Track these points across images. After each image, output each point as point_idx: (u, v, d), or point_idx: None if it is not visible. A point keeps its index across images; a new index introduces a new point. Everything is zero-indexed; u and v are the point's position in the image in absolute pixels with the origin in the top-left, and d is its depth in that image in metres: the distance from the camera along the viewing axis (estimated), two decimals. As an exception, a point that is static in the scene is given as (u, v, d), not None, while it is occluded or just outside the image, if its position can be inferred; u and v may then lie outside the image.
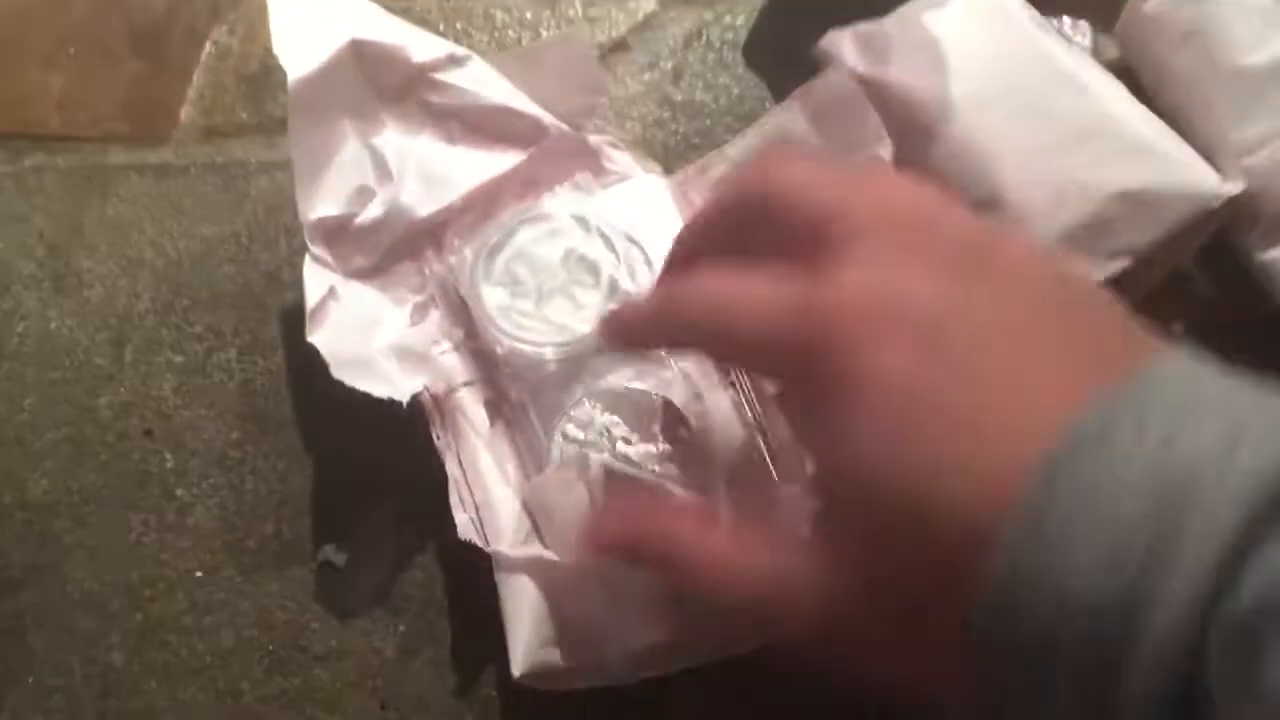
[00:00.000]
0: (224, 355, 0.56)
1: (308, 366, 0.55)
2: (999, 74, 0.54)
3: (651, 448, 0.44)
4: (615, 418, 0.44)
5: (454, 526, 0.51)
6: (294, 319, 0.56)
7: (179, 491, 0.53)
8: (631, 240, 0.51)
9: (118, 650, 0.50)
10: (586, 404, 0.45)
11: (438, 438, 0.48)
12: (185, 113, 0.62)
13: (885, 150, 0.51)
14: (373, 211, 0.51)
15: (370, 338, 0.50)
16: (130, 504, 0.53)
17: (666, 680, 0.46)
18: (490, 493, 0.47)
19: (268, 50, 0.63)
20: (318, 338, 0.48)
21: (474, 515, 0.47)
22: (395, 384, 0.48)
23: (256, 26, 0.64)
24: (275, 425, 0.54)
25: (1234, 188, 0.49)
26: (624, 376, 0.45)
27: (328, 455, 0.54)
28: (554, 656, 0.43)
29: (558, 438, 0.44)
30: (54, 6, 0.66)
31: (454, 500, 0.47)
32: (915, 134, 0.55)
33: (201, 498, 0.53)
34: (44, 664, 0.50)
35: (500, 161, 0.53)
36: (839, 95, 0.52)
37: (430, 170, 0.52)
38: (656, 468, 0.44)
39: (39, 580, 0.52)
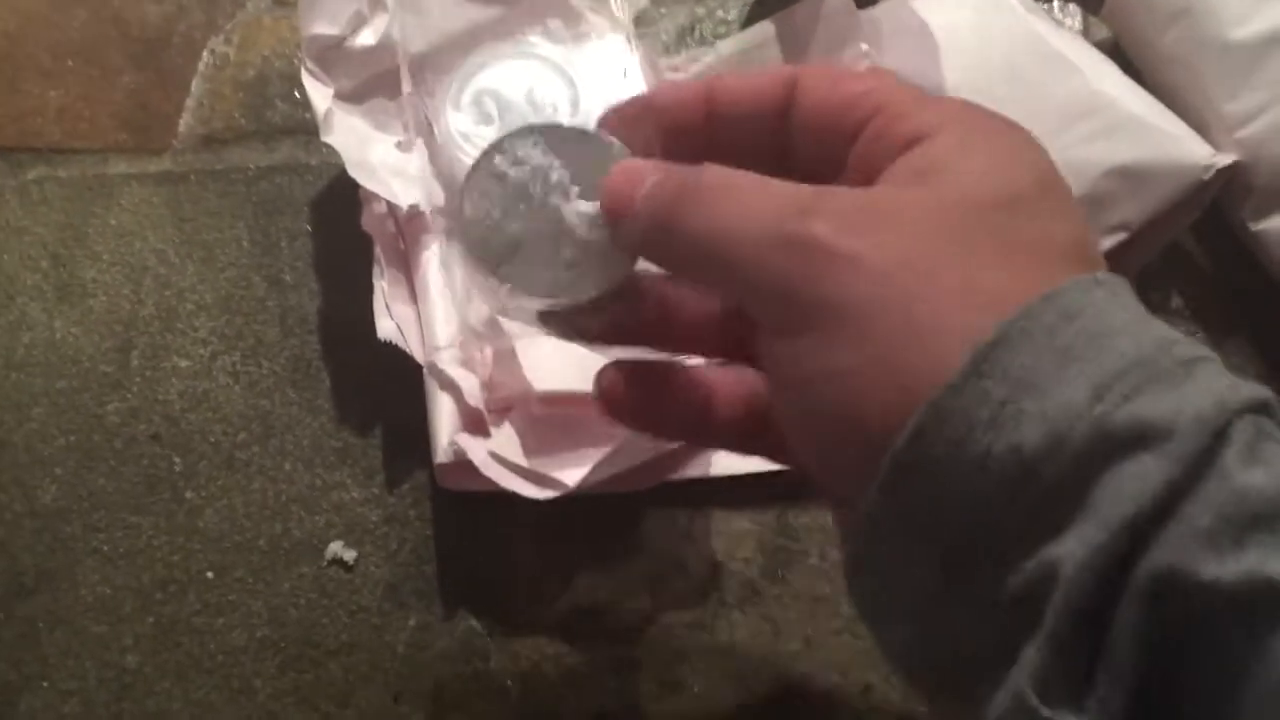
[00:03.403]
0: (229, 359, 0.56)
1: (311, 367, 0.56)
2: (991, 56, 0.54)
3: (593, 207, 0.33)
4: (557, 160, 0.34)
5: (459, 521, 0.52)
6: (296, 321, 0.57)
7: (188, 494, 0.54)
8: (592, 88, 0.55)
9: (131, 653, 0.51)
10: (528, 135, 0.34)
11: (378, 260, 0.53)
12: (184, 121, 0.63)
13: (863, 61, 0.55)
14: (365, 38, 0.56)
15: (368, 152, 0.55)
16: (140, 508, 0.53)
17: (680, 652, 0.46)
18: (433, 305, 0.52)
19: (265, 58, 0.64)
20: (332, 139, 0.53)
21: (398, 324, 0.51)
22: (396, 193, 0.53)
23: (253, 35, 0.65)
24: (281, 426, 0.55)
25: (1226, 160, 0.50)
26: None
27: (334, 454, 0.54)
28: (469, 442, 0.48)
29: (482, 167, 0.34)
30: (51, 20, 0.66)
31: (378, 309, 0.52)
32: (908, 118, 0.55)
33: (210, 500, 0.53)
34: (58, 668, 0.50)
35: (485, 11, 0.58)
36: (824, 12, 0.55)
37: (421, 7, 0.56)
38: (595, 237, 0.33)
39: (51, 586, 0.52)
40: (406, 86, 0.56)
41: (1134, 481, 0.21)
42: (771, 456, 0.35)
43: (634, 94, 0.33)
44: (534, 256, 0.33)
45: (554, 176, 0.34)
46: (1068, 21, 0.62)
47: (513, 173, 0.34)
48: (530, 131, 0.34)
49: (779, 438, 0.31)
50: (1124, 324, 0.23)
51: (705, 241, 0.28)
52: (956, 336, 0.23)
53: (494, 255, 0.33)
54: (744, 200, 0.27)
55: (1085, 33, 0.61)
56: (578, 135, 0.34)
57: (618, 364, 0.34)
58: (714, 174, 0.29)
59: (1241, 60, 0.51)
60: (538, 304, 0.33)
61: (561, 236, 0.33)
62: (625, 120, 0.33)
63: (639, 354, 0.35)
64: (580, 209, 0.33)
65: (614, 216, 0.31)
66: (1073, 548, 0.22)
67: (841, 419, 0.25)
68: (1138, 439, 0.22)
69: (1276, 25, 0.51)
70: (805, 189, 0.27)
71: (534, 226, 0.33)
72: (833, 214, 0.26)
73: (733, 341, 0.34)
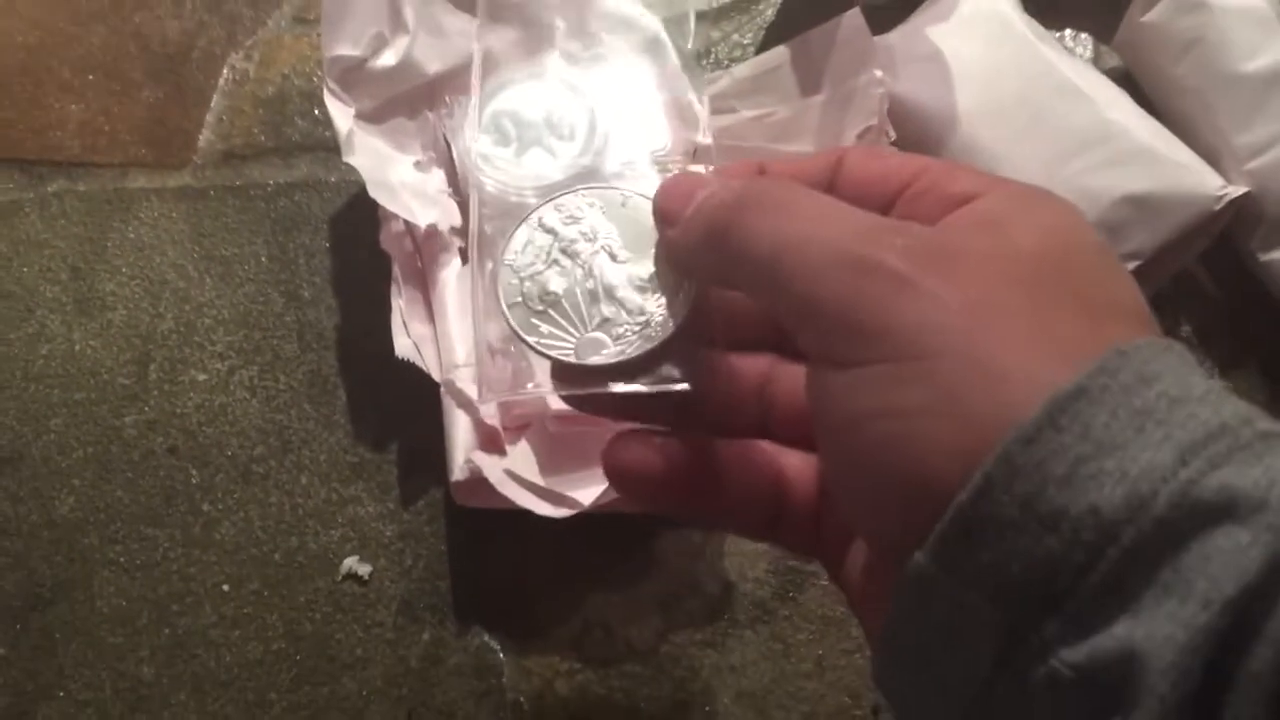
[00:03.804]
0: (246, 373, 0.57)
1: (328, 382, 0.56)
2: (1004, 84, 0.55)
3: (639, 271, 0.33)
4: (610, 224, 0.34)
5: (474, 537, 0.53)
6: (313, 337, 0.57)
7: (205, 507, 0.54)
8: (609, 110, 0.55)
9: (147, 664, 0.51)
10: (583, 194, 0.35)
11: (396, 279, 0.54)
12: (204, 137, 0.64)
13: (878, 87, 0.55)
14: (386, 59, 0.57)
15: (388, 172, 0.56)
16: (156, 520, 0.54)
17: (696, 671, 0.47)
18: (450, 324, 0.53)
19: (285, 76, 0.65)
20: (354, 159, 0.54)
21: (415, 343, 0.53)
22: (414, 213, 0.54)
23: (273, 52, 0.65)
24: (298, 441, 0.55)
25: (1237, 191, 0.50)
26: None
27: (350, 469, 0.54)
28: (485, 460, 0.49)
29: (532, 218, 0.35)
30: (72, 35, 0.67)
31: (396, 327, 0.53)
32: (923, 144, 0.56)
33: (227, 513, 0.54)
34: (74, 679, 0.51)
35: (503, 33, 0.56)
36: (839, 38, 0.56)
37: (440, 29, 0.58)
38: (636, 299, 0.33)
39: (68, 596, 0.52)
40: (424, 112, 0.57)
41: (1230, 556, 0.20)
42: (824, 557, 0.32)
43: (698, 184, 0.31)
44: (569, 313, 0.33)
45: (604, 239, 0.34)
46: (1079, 50, 0.63)
47: (564, 230, 0.34)
48: (590, 191, 0.35)
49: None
50: (1203, 392, 0.22)
51: (768, 251, 0.26)
52: (1030, 384, 0.22)
53: (529, 306, 0.33)
54: (813, 214, 0.26)
55: (1096, 61, 0.62)
56: (635, 203, 0.34)
57: (646, 435, 0.31)
58: (782, 184, 0.28)
59: (1253, 92, 0.52)
60: (565, 358, 0.32)
61: (602, 295, 0.33)
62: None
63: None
64: (625, 271, 0.33)
65: (669, 216, 0.30)
66: (1167, 628, 0.20)
67: (899, 461, 0.24)
68: (1226, 508, 0.20)
69: (1287, 58, 0.51)
70: (875, 216, 0.26)
71: (574, 283, 0.33)
72: (905, 245, 0.25)
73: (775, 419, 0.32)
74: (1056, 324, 0.24)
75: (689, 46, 0.44)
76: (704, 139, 0.50)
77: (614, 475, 0.31)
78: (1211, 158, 0.52)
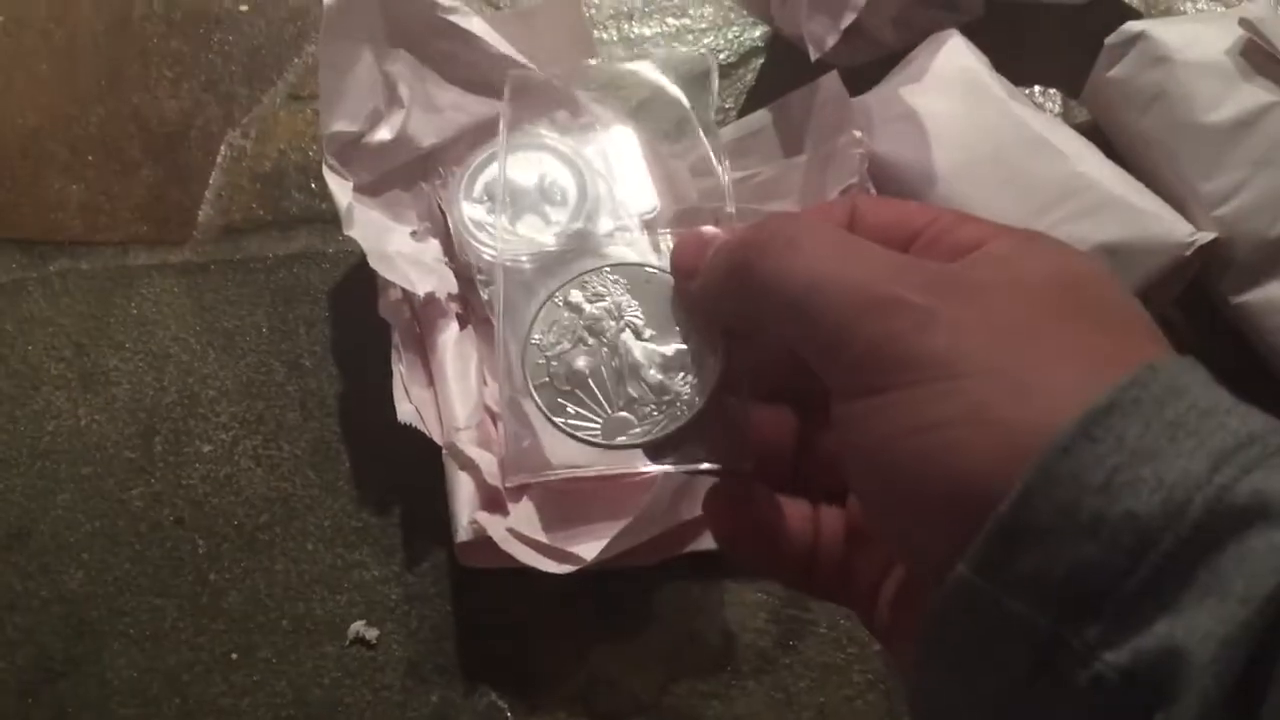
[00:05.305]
0: (250, 443, 0.58)
1: (331, 449, 0.57)
2: (977, 141, 0.57)
3: (664, 349, 0.34)
4: (634, 301, 0.35)
5: (478, 597, 0.53)
6: (315, 405, 0.59)
7: (212, 576, 0.55)
8: (599, 175, 0.57)
9: (158, 735, 0.52)
10: (607, 272, 0.36)
11: (396, 346, 0.56)
12: (203, 213, 0.65)
13: (858, 147, 0.57)
14: (382, 134, 0.59)
15: (386, 243, 0.58)
16: (164, 591, 0.55)
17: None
18: (450, 387, 0.54)
19: (281, 151, 0.66)
20: (353, 232, 0.56)
21: (417, 407, 0.54)
22: (412, 282, 0.55)
23: (269, 129, 0.67)
24: (302, 508, 0.56)
25: (1205, 237, 0.52)
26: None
27: (355, 533, 0.55)
28: (488, 520, 0.50)
29: (558, 296, 0.35)
30: (72, 116, 0.69)
31: (397, 393, 0.54)
32: (902, 201, 0.58)
33: (234, 581, 0.55)
34: (86, 752, 0.52)
35: (493, 105, 0.61)
36: (818, 100, 0.59)
37: (433, 104, 0.60)
38: (661, 378, 0.34)
39: (78, 670, 0.53)
40: (419, 184, 0.59)
41: (1265, 556, 0.21)
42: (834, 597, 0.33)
43: (712, 235, 0.32)
44: (596, 393, 0.33)
45: (629, 316, 0.34)
46: (1048, 105, 0.65)
47: (589, 307, 0.35)
48: (613, 269, 0.35)
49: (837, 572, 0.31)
50: (1230, 405, 0.23)
51: (794, 288, 0.27)
52: (1061, 397, 0.23)
53: (556, 387, 0.34)
54: (834, 251, 0.27)
55: (1065, 116, 0.64)
56: (659, 279, 0.35)
57: (725, 488, 0.32)
58: (799, 220, 0.29)
59: (1216, 142, 0.54)
60: (593, 439, 0.33)
61: (627, 374, 0.33)
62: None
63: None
64: (651, 348, 0.34)
65: (686, 270, 0.31)
66: (1207, 624, 0.21)
67: (934, 473, 0.24)
68: (1260, 511, 0.21)
69: (1247, 109, 0.53)
70: (894, 254, 0.27)
71: (600, 362, 0.34)
72: (925, 281, 0.26)
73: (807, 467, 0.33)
74: (1081, 342, 0.25)
75: (710, 110, 0.44)
76: (728, 208, 0.49)
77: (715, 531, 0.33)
78: (1179, 205, 0.54)
